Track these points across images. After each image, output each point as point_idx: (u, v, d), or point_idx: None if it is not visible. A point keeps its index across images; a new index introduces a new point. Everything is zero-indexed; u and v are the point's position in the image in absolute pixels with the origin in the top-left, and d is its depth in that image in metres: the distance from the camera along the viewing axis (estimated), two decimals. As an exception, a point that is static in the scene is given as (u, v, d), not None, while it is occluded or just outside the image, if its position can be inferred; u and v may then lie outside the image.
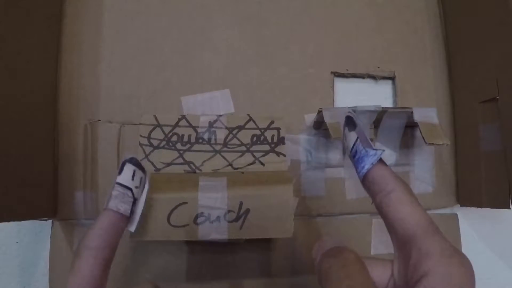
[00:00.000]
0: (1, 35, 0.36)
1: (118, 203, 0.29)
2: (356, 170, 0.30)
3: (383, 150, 0.29)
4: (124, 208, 0.29)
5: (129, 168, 0.31)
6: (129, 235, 0.36)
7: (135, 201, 0.30)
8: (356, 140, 0.31)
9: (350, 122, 0.33)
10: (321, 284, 0.25)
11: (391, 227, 0.26)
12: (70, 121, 0.46)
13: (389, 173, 0.28)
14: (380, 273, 0.26)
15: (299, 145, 0.48)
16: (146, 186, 0.32)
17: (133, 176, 0.30)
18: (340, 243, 0.28)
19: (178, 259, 0.45)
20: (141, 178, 0.31)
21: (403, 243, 0.24)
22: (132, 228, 0.30)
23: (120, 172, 0.30)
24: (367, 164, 0.28)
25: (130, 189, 0.30)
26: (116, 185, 0.30)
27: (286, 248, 0.46)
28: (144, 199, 0.31)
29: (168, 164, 0.42)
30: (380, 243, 0.48)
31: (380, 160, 0.29)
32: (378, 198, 0.27)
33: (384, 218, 0.27)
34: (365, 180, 0.29)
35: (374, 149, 0.29)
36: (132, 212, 0.30)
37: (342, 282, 0.22)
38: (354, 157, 0.31)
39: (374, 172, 0.28)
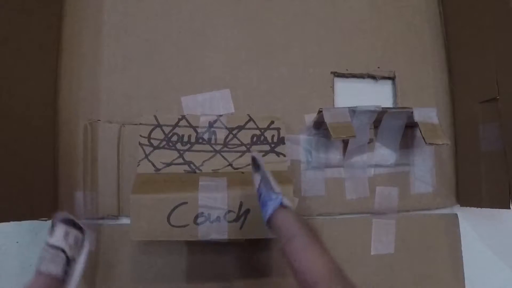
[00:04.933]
0: (1, 35, 0.36)
1: (48, 265, 0.28)
2: (261, 212, 0.31)
3: (282, 195, 0.30)
4: (56, 270, 0.28)
5: (60, 228, 0.30)
6: (130, 236, 0.36)
7: (70, 262, 0.29)
8: (260, 182, 0.32)
9: (254, 163, 0.34)
10: None
11: (294, 275, 0.26)
12: (70, 121, 0.46)
13: (291, 218, 0.28)
14: None
15: (299, 145, 0.48)
16: (86, 245, 0.31)
17: (65, 235, 0.29)
18: None
19: (178, 259, 0.45)
20: (76, 237, 0.30)
21: None
22: None
23: (51, 233, 0.29)
24: (269, 208, 0.29)
25: (62, 250, 0.29)
26: (47, 246, 0.29)
27: (286, 248, 0.46)
28: (83, 260, 0.30)
29: (168, 164, 0.42)
30: (380, 243, 0.48)
31: (282, 204, 0.29)
32: (280, 244, 0.28)
33: (288, 265, 0.27)
34: (269, 224, 0.30)
35: (275, 193, 0.30)
36: (67, 273, 0.29)
37: None
38: (259, 199, 0.32)
39: (275, 217, 0.29)
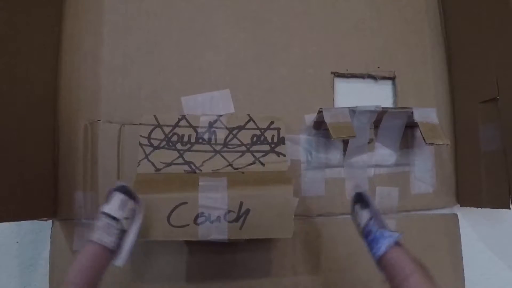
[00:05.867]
0: (1, 35, 0.36)
1: (102, 235, 0.27)
2: (370, 250, 0.31)
3: (400, 234, 0.30)
4: (109, 240, 0.27)
5: (118, 197, 0.29)
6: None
7: (123, 232, 0.28)
8: (370, 220, 0.32)
9: (361, 200, 0.34)
10: None
11: None
12: (70, 121, 0.46)
13: (406, 256, 0.28)
14: None
15: (299, 145, 0.48)
16: (139, 217, 0.30)
17: (122, 205, 0.28)
18: None
19: (178, 259, 0.45)
20: (132, 209, 0.29)
21: None
22: (120, 262, 0.28)
23: (107, 201, 0.28)
24: (383, 246, 0.29)
25: (118, 220, 0.28)
26: (102, 215, 0.28)
27: (286, 248, 0.46)
28: (135, 232, 0.29)
29: (168, 164, 0.42)
30: (380, 243, 0.48)
31: (397, 242, 0.29)
32: (395, 282, 0.28)
33: None
34: (381, 262, 0.30)
35: (390, 231, 0.30)
36: (120, 245, 0.28)
37: None
38: (367, 237, 0.32)
39: (390, 254, 0.29)
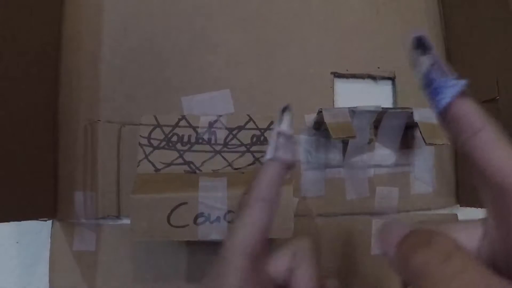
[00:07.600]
0: (1, 35, 0.36)
1: (282, 152, 0.29)
2: (431, 103, 0.24)
3: (466, 80, 0.23)
4: (288, 157, 0.29)
5: (287, 116, 0.31)
6: (129, 235, 0.36)
7: (295, 147, 0.31)
8: (431, 66, 0.25)
9: (421, 44, 0.26)
10: (412, 282, 0.19)
11: (480, 175, 0.20)
12: (70, 121, 0.46)
13: (475, 108, 0.22)
14: (467, 236, 0.21)
15: (299, 145, 0.48)
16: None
17: (291, 123, 0.31)
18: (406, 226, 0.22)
19: (178, 259, 0.45)
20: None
21: (498, 195, 0.19)
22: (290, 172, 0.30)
23: (279, 121, 0.30)
24: (446, 96, 0.23)
25: (291, 136, 0.30)
26: (278, 134, 0.30)
27: (286, 248, 0.46)
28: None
29: (168, 164, 0.42)
30: (380, 243, 0.48)
31: (463, 92, 0.23)
32: (462, 139, 0.21)
33: (471, 163, 0.21)
34: (444, 116, 0.23)
35: (455, 79, 0.23)
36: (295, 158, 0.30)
37: (450, 283, 0.17)
38: (428, 86, 0.25)
39: (456, 106, 0.22)
